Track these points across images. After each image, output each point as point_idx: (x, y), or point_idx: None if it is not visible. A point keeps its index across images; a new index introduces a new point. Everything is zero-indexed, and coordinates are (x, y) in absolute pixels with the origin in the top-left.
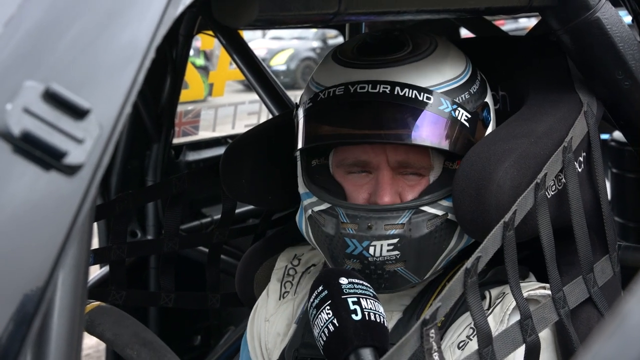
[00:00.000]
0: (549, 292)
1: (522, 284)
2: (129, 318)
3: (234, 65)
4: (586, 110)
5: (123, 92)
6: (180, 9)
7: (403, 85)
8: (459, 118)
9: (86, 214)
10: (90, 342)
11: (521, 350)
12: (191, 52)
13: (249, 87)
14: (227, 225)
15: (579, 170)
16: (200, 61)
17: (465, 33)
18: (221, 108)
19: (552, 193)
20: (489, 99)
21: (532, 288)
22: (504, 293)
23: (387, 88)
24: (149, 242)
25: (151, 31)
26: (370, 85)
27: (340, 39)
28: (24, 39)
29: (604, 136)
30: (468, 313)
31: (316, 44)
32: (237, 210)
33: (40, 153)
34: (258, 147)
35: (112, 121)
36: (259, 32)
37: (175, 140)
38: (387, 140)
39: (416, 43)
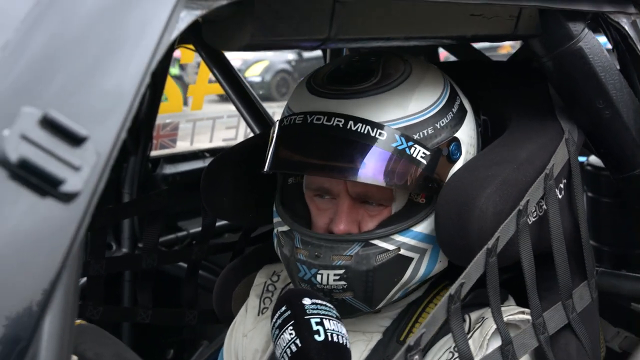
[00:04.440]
0: (527, 317)
1: (502, 309)
2: (110, 337)
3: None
4: (567, 138)
5: (120, 119)
6: (175, 34)
7: (357, 120)
8: (414, 155)
9: (81, 241)
10: None
11: None
12: None
13: (224, 98)
14: (207, 241)
15: (560, 197)
16: (175, 70)
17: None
18: (199, 122)
19: (533, 219)
20: (463, 132)
21: (511, 313)
22: (484, 317)
23: (340, 122)
24: (127, 257)
25: (148, 57)
26: (325, 118)
27: (316, 53)
28: (22, 65)
29: (581, 159)
30: (447, 336)
31: (291, 56)
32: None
33: (37, 180)
34: (239, 165)
35: (109, 148)
36: None
37: (153, 153)
38: (333, 175)
39: (386, 73)
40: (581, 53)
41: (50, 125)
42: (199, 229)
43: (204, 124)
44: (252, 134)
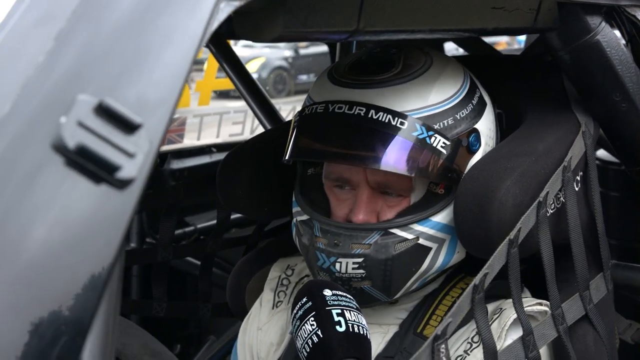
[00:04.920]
0: (544, 308)
1: None
2: (137, 328)
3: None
4: (584, 131)
5: (170, 107)
6: (215, 24)
7: (378, 109)
8: (434, 145)
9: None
10: None
11: None
12: None
13: (221, 95)
14: (221, 235)
15: (576, 189)
16: None
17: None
18: (206, 117)
19: (552, 211)
20: (482, 124)
21: (529, 304)
22: (501, 309)
23: (362, 110)
24: (143, 251)
25: (195, 47)
26: (347, 106)
27: (312, 49)
28: (75, 53)
29: None
30: (464, 328)
31: (288, 53)
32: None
33: (94, 167)
34: (255, 158)
35: (159, 136)
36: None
37: (161, 148)
38: (354, 163)
39: (407, 64)
40: (598, 46)
41: (105, 112)
42: (207, 223)
43: (210, 120)
44: (259, 129)
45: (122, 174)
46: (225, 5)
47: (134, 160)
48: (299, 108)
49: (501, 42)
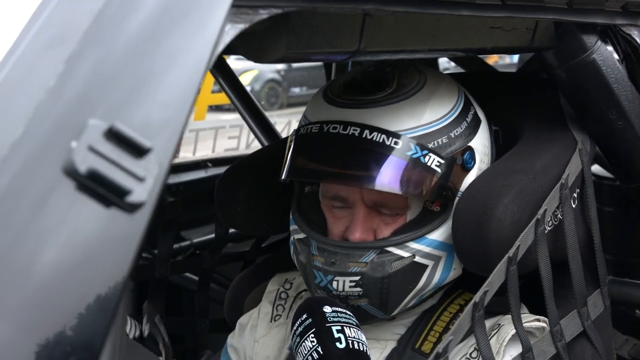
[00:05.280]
0: (542, 324)
1: None
2: (138, 345)
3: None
4: (581, 148)
5: (178, 130)
6: (221, 47)
7: (372, 129)
8: (428, 164)
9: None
10: None
11: None
12: None
13: (215, 107)
14: (219, 250)
15: (574, 206)
16: None
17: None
18: (202, 132)
19: (549, 228)
20: (477, 141)
21: (527, 320)
22: (499, 324)
23: (356, 130)
24: (140, 267)
25: (202, 69)
26: (341, 126)
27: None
28: (86, 77)
29: None
30: (462, 343)
31: (280, 65)
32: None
33: (104, 191)
34: (253, 175)
35: (168, 159)
36: None
37: None
38: (349, 183)
39: (401, 83)
40: (594, 65)
41: (115, 137)
42: (203, 238)
43: (206, 134)
44: (255, 143)
45: (133, 198)
46: (231, 28)
47: (144, 184)
48: (294, 121)
49: (492, 56)
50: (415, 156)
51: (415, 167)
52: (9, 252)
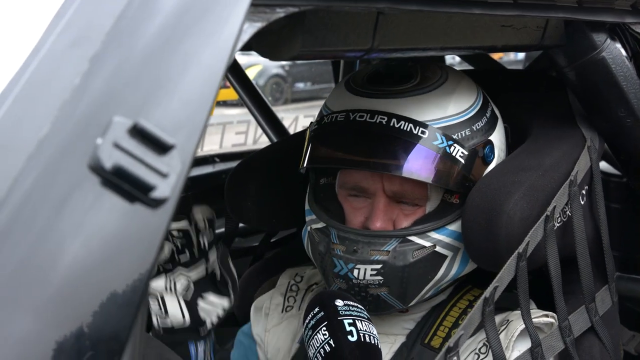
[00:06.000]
0: (551, 320)
1: None
2: (152, 338)
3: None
4: (589, 146)
5: (200, 127)
6: (239, 45)
7: (399, 118)
8: (453, 154)
9: None
10: None
11: None
12: None
13: (219, 102)
14: (229, 246)
15: (582, 203)
16: None
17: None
18: (209, 127)
19: (558, 225)
20: (495, 136)
21: (536, 316)
22: (508, 320)
23: (384, 119)
24: None
25: (222, 68)
26: (368, 115)
27: None
28: (110, 75)
29: None
30: (471, 339)
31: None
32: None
33: (129, 186)
34: (263, 170)
35: (190, 156)
36: None
37: None
38: (375, 170)
39: (425, 76)
40: (604, 62)
41: (139, 134)
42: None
43: (213, 129)
44: (263, 138)
45: (157, 193)
46: (249, 27)
47: (167, 180)
48: (301, 117)
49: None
50: (441, 146)
51: (441, 157)
52: (35, 247)
